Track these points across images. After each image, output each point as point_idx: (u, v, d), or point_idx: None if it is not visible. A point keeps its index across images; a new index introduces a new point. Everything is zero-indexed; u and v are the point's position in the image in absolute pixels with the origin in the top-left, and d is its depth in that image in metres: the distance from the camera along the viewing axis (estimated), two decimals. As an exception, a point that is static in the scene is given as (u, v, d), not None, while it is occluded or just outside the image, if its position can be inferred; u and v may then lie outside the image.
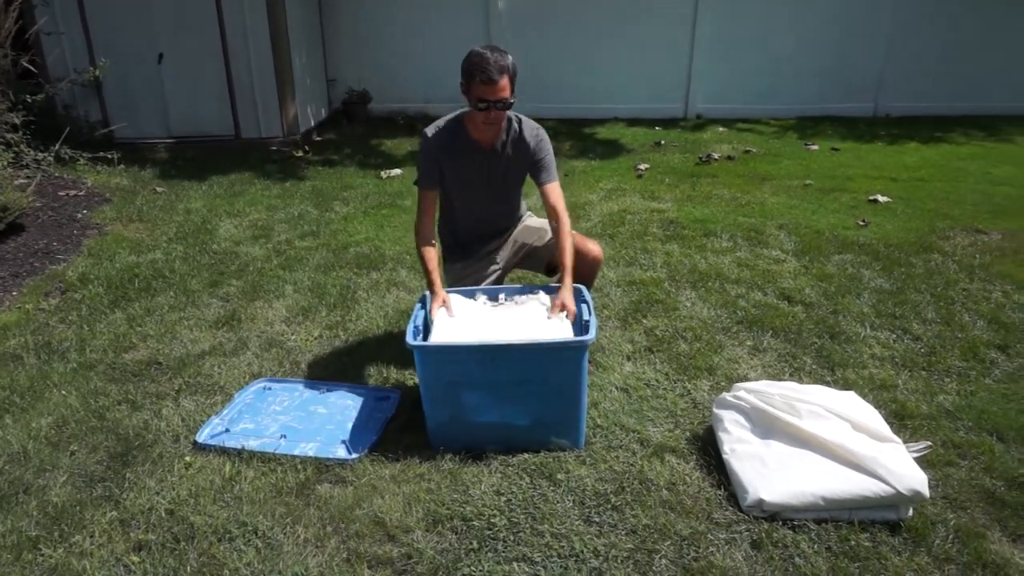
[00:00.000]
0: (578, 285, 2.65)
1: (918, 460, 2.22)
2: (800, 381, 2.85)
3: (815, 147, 7.24)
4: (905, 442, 2.31)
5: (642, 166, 6.45)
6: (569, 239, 2.66)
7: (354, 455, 2.40)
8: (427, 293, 2.63)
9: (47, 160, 5.78)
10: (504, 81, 2.48)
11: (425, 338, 2.46)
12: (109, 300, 3.61)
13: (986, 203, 5.30)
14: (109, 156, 6.15)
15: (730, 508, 2.15)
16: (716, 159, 6.75)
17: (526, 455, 2.38)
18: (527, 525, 2.09)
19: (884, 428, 2.27)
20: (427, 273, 2.67)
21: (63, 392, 2.80)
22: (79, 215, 4.88)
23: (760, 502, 2.09)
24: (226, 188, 5.69)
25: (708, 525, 2.09)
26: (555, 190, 2.73)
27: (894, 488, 2.03)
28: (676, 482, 2.27)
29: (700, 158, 6.73)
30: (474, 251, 2.94)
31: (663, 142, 7.47)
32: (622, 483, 2.26)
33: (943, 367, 2.94)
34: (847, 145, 7.35)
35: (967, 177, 6.07)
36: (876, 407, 2.61)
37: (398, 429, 2.58)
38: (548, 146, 2.76)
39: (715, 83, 8.65)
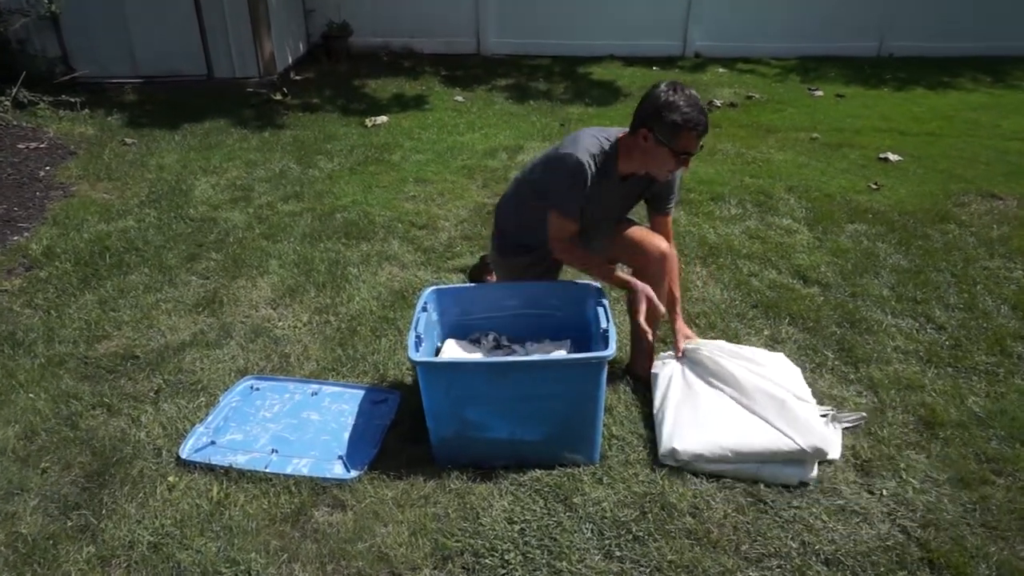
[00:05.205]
0: (596, 284, 2.45)
1: (851, 430, 2.38)
2: (822, 378, 2.71)
3: (820, 93, 6.93)
4: (840, 411, 2.44)
5: (641, 114, 6.12)
6: (677, 276, 2.59)
7: (353, 473, 2.23)
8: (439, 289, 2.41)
9: (4, 105, 5.34)
10: None
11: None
12: (78, 279, 3.34)
13: (999, 161, 5.10)
14: (72, 100, 5.70)
15: (759, 539, 2.02)
16: (718, 106, 6.43)
17: (538, 472, 2.23)
18: (543, 561, 1.95)
19: (804, 390, 2.41)
20: (609, 274, 2.42)
21: (31, 395, 2.57)
22: (41, 172, 4.51)
23: (673, 451, 2.20)
24: (200, 139, 5.31)
25: (737, 560, 1.96)
26: (669, 222, 2.57)
27: (798, 444, 2.14)
28: (700, 506, 2.12)
29: (702, 105, 6.40)
30: (546, 254, 2.56)
31: (662, 85, 7.09)
32: (643, 508, 2.11)
33: (970, 363, 2.80)
34: (852, 91, 7.05)
35: (978, 130, 5.84)
36: (905, 411, 2.52)
37: (399, 438, 2.40)
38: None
39: (714, 19, 8.18)
